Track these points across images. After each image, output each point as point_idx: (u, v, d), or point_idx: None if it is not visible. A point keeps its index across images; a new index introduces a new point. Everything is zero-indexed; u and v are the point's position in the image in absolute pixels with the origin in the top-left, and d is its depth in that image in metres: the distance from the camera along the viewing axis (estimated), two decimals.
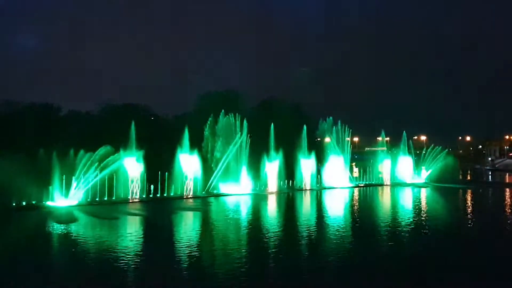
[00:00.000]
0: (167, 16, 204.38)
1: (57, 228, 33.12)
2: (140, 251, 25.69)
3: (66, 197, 42.75)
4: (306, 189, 63.03)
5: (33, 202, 41.61)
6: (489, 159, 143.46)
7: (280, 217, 42.58)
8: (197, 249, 26.44)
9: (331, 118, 70.90)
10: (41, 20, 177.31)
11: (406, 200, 56.17)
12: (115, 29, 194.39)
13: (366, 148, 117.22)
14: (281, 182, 61.36)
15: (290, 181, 63.18)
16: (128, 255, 24.32)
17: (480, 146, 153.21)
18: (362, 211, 45.67)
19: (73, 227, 33.35)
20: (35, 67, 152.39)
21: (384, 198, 58.99)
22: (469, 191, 64.86)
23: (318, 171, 66.64)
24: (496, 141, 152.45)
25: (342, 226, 35.18)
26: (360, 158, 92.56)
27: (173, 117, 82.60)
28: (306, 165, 64.51)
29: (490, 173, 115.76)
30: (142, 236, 31.48)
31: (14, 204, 40.40)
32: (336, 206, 50.08)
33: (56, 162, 43.00)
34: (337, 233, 31.75)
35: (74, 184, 43.25)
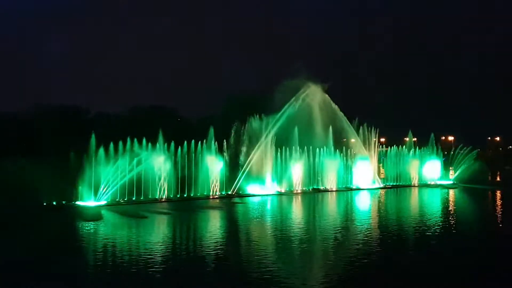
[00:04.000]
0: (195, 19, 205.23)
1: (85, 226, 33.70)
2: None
3: (95, 197, 43.44)
4: (332, 190, 62.52)
5: (63, 202, 42.38)
6: None
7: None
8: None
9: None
10: (70, 23, 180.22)
11: (443, 202, 54.40)
12: (139, 30, 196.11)
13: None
14: (307, 183, 61.14)
15: (316, 182, 62.84)
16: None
17: (510, 147, 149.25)
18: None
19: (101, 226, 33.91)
20: (64, 70, 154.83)
21: (424, 200, 58.07)
22: (499, 192, 63.20)
23: (345, 172, 66.10)
24: None
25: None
26: None
27: (198, 119, 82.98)
28: (332, 165, 64.04)
29: None
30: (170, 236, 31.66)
31: (44, 203, 41.22)
32: (367, 207, 50.09)
33: (85, 163, 43.80)
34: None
35: (102, 186, 44.00)
